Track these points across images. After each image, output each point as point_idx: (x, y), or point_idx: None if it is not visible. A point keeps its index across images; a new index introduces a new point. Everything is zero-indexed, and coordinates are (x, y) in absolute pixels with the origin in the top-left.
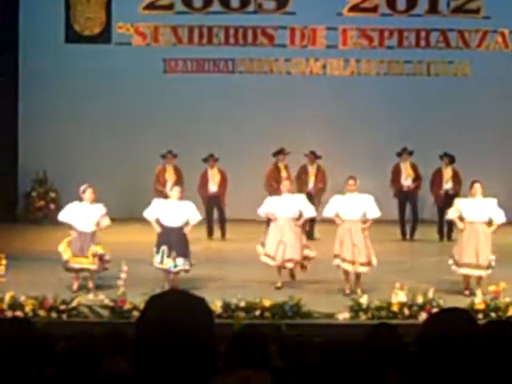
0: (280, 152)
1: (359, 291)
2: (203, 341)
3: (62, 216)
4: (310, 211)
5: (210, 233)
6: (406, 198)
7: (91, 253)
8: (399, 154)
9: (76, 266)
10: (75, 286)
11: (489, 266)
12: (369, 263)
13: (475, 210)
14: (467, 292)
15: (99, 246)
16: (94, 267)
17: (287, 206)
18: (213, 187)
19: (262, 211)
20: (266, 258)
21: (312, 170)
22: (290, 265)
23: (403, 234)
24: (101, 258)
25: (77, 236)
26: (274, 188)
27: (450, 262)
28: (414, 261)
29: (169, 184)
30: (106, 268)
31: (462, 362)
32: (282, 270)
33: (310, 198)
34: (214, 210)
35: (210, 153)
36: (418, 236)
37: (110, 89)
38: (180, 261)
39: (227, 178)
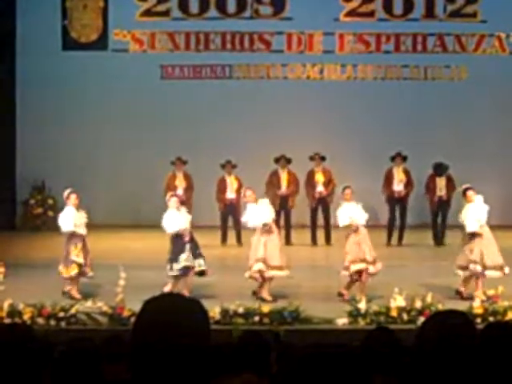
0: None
1: (362, 297)
2: (199, 343)
3: (68, 225)
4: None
5: (225, 239)
6: (396, 203)
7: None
8: (393, 159)
9: (90, 274)
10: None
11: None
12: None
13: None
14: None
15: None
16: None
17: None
18: (231, 194)
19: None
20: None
21: (283, 174)
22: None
23: (389, 239)
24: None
25: (82, 243)
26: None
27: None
28: (410, 265)
29: (179, 190)
30: None
31: (460, 363)
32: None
33: (284, 201)
34: (229, 217)
35: (228, 159)
36: (414, 241)
37: (107, 95)
38: (201, 261)
39: (243, 185)
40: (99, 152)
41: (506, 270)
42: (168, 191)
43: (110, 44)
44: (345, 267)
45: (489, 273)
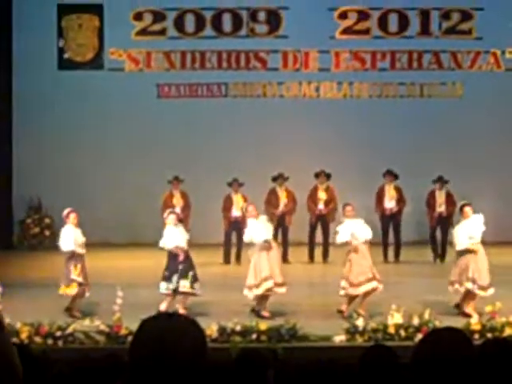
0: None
1: (362, 312)
2: (196, 362)
3: (68, 245)
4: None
5: (228, 258)
6: (389, 220)
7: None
8: (384, 175)
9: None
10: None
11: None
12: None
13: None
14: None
15: None
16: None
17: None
18: (236, 212)
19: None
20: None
21: (281, 192)
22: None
23: (385, 256)
24: None
25: (82, 263)
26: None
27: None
28: (407, 282)
29: (177, 209)
30: None
31: (458, 380)
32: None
33: (282, 219)
34: (233, 234)
35: (234, 177)
36: (412, 257)
37: (103, 114)
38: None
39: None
40: (96, 171)
41: (491, 291)
42: (166, 210)
43: (106, 63)
44: (350, 286)
45: (478, 292)
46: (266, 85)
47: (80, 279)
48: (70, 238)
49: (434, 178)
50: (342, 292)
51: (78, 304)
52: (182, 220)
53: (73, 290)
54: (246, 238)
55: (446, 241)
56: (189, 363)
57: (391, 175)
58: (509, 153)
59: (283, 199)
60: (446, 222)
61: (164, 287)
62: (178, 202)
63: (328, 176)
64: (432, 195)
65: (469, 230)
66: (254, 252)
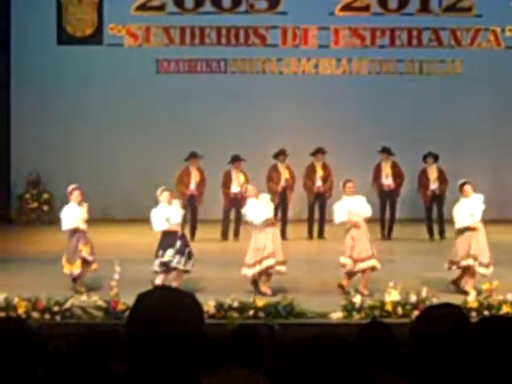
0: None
1: (364, 290)
2: (193, 336)
3: (68, 223)
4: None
5: (226, 234)
6: (386, 197)
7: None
8: (380, 153)
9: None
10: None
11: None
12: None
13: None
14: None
15: None
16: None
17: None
18: (235, 188)
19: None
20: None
21: (283, 169)
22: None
23: (383, 234)
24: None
25: (87, 239)
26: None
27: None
28: (404, 260)
29: (192, 185)
30: None
31: (455, 357)
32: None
33: (284, 196)
34: (232, 211)
35: (236, 154)
36: (407, 235)
37: (102, 90)
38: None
39: (249, 179)
40: (95, 146)
41: (491, 269)
42: (180, 185)
43: (105, 38)
44: (352, 262)
45: (479, 269)
46: (265, 61)
47: (91, 258)
48: (71, 216)
49: (425, 153)
50: (342, 268)
51: (83, 279)
52: (196, 196)
53: (77, 268)
54: (247, 218)
55: (443, 218)
56: (186, 337)
57: (386, 152)
58: (508, 130)
59: (285, 176)
60: (439, 200)
61: (157, 264)
62: (195, 177)
63: (324, 153)
64: (424, 173)
65: (469, 208)
66: (255, 230)
